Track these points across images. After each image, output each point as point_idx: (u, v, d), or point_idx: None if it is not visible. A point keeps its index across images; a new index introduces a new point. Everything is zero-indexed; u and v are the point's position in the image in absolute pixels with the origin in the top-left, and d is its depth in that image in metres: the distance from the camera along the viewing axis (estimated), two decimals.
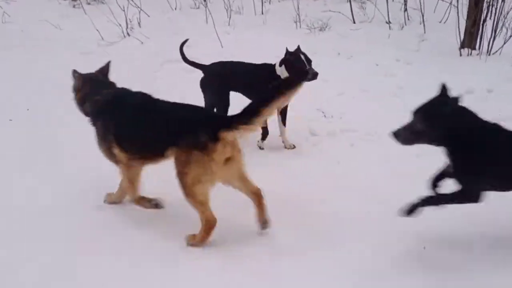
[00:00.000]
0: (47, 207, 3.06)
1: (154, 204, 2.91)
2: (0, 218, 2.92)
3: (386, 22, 7.14)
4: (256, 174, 2.78)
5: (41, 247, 2.66)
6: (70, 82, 3.12)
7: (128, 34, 6.98)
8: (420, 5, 6.59)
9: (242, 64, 4.22)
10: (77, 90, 3.04)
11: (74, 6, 8.71)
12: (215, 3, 8.17)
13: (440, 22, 6.91)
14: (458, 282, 2.36)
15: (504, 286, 2.35)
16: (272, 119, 3.81)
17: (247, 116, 2.48)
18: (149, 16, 7.72)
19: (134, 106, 2.84)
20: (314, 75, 3.74)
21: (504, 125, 2.41)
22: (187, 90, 4.76)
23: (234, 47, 6.43)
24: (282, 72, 3.94)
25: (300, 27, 7.02)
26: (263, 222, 2.73)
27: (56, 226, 2.84)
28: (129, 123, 2.76)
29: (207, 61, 6.09)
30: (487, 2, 6.03)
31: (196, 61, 4.41)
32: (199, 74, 4.32)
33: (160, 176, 2.94)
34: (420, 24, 6.66)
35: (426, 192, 2.56)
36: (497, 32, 5.84)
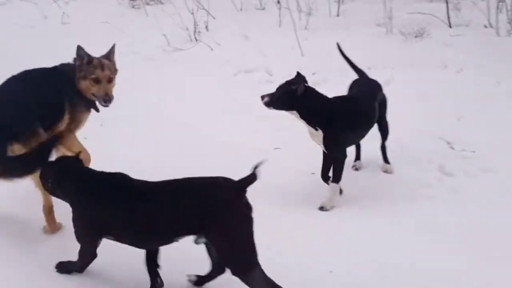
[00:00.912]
0: None
1: None
2: None
3: (485, 26, 6.15)
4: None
5: None
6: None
7: (196, 39, 6.33)
8: None
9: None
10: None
11: (133, 7, 8.20)
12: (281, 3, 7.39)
13: None
14: None
15: None
16: None
17: None
18: (214, 18, 7.06)
19: None
20: None
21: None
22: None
23: (316, 55, 5.65)
24: None
25: (391, 32, 6.12)
26: None
27: None
28: None
29: (286, 74, 5.41)
30: None
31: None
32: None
33: None
34: None
35: None
36: None
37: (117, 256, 2.38)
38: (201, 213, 2.02)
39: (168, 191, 2.14)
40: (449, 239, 2.71)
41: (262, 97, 2.92)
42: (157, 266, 2.26)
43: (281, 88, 2.98)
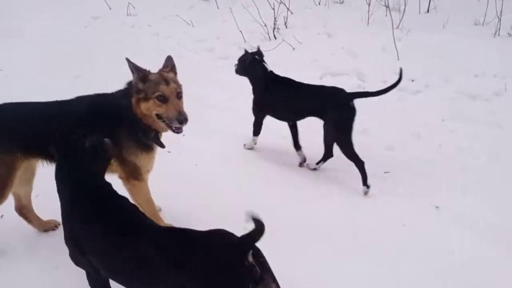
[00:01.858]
0: None
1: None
2: None
3: None
4: None
5: None
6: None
7: (274, 36, 5.83)
8: None
9: None
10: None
11: None
12: None
13: None
14: None
15: None
16: None
17: None
18: (292, 13, 6.52)
19: None
20: None
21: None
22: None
23: (414, 59, 5.02)
24: None
25: (499, 34, 5.37)
26: None
27: None
28: None
29: (381, 81, 4.86)
30: None
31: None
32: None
33: None
34: None
35: None
36: None
37: None
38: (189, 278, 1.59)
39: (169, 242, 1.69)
40: None
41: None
42: None
43: (240, 59, 3.68)
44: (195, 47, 6.24)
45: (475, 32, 5.61)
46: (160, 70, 2.39)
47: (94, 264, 1.83)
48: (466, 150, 3.67)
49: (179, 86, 2.39)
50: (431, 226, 2.77)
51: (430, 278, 2.34)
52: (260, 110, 3.59)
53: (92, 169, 1.91)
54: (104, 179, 1.98)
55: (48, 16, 7.74)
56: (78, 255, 1.86)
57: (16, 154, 2.27)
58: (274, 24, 5.88)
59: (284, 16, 6.12)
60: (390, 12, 5.89)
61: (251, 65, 3.55)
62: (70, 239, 1.87)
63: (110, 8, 8.02)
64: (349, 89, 4.82)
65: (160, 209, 2.73)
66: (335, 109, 3.17)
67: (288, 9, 6.27)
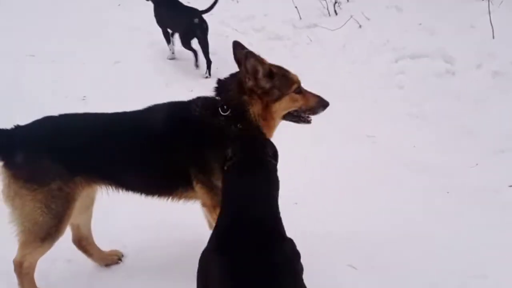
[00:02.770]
0: None
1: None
2: None
3: None
4: None
5: None
6: None
7: (335, 12, 4.99)
8: None
9: None
10: None
11: None
12: None
13: None
14: None
15: None
16: None
17: None
18: None
19: None
20: None
21: None
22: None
23: None
24: None
25: None
26: None
27: None
28: None
29: (473, 63, 4.00)
30: None
31: None
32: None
33: None
34: None
35: None
36: None
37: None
38: None
39: None
40: None
41: None
42: None
43: None
44: (241, 27, 5.49)
45: None
46: (250, 55, 1.74)
47: None
48: None
49: None
50: None
51: None
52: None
53: None
54: None
55: None
56: None
57: (76, 181, 1.84)
58: None
59: None
60: None
61: None
62: None
63: None
64: (432, 73, 4.07)
65: None
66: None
67: None
